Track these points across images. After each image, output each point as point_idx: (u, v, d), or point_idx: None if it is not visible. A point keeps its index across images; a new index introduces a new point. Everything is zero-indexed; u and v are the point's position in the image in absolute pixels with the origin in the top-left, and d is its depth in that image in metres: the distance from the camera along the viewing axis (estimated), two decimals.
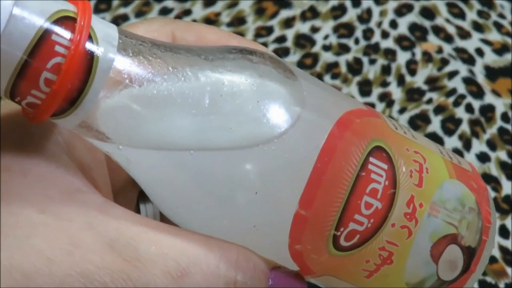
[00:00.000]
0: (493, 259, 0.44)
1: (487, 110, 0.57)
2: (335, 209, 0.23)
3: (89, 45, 0.20)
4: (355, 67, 0.60)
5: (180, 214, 0.23)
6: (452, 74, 0.59)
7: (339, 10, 0.64)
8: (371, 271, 0.24)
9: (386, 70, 0.60)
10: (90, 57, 0.20)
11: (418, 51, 0.61)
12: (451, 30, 0.62)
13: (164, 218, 0.24)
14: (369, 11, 0.64)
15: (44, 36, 0.20)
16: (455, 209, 0.25)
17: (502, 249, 0.42)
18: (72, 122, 0.21)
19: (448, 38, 0.62)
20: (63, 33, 0.20)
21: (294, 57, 0.60)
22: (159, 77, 0.22)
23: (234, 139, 0.22)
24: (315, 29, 0.63)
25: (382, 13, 0.64)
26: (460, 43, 0.61)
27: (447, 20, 0.63)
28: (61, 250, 0.20)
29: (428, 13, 0.64)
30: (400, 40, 0.62)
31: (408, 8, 0.64)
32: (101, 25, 0.21)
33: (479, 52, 0.61)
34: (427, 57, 0.60)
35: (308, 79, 0.24)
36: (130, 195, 0.27)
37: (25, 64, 0.20)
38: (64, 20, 0.20)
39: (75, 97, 0.21)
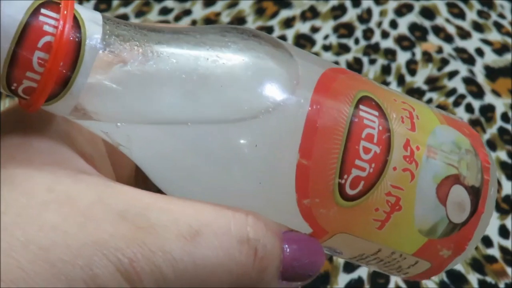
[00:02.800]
0: (493, 259, 0.44)
1: (487, 110, 0.57)
2: (335, 156, 0.23)
3: (75, 24, 0.21)
4: (355, 67, 0.60)
5: (183, 189, 0.23)
6: (452, 74, 0.59)
7: (339, 10, 0.64)
8: (382, 220, 0.24)
9: (386, 70, 0.60)
10: (78, 37, 0.21)
11: (418, 51, 0.61)
12: (451, 30, 0.62)
13: None
14: (369, 11, 0.64)
15: (32, 18, 0.20)
16: (452, 151, 0.25)
17: (502, 249, 0.42)
18: (68, 105, 0.22)
19: (448, 38, 0.62)
20: (50, 14, 0.21)
21: None
22: (149, 53, 0.22)
23: (229, 110, 0.23)
24: (315, 29, 0.63)
25: (382, 13, 0.64)
26: (460, 43, 0.61)
27: (447, 20, 0.63)
28: (74, 223, 0.20)
29: (428, 13, 0.64)
30: (400, 40, 0.62)
31: (408, 8, 0.64)
32: (84, 9, 0.22)
33: (479, 52, 0.61)
34: (427, 57, 0.61)
35: (292, 47, 0.25)
36: None
37: (17, 46, 0.20)
38: (49, 4, 0.21)
39: (67, 77, 0.21)
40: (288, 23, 0.63)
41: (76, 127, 0.23)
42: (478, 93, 0.58)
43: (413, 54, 0.61)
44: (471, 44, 0.61)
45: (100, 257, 0.20)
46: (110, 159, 0.25)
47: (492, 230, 0.42)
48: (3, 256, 0.19)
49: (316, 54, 0.60)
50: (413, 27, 0.63)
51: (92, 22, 0.21)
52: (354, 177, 0.23)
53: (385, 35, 0.62)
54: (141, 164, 0.24)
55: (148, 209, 0.21)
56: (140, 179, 0.25)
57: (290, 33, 0.62)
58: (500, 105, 0.57)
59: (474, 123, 0.56)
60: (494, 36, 0.62)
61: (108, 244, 0.20)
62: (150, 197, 0.22)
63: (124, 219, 0.21)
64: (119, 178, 0.26)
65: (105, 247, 0.20)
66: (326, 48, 0.61)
